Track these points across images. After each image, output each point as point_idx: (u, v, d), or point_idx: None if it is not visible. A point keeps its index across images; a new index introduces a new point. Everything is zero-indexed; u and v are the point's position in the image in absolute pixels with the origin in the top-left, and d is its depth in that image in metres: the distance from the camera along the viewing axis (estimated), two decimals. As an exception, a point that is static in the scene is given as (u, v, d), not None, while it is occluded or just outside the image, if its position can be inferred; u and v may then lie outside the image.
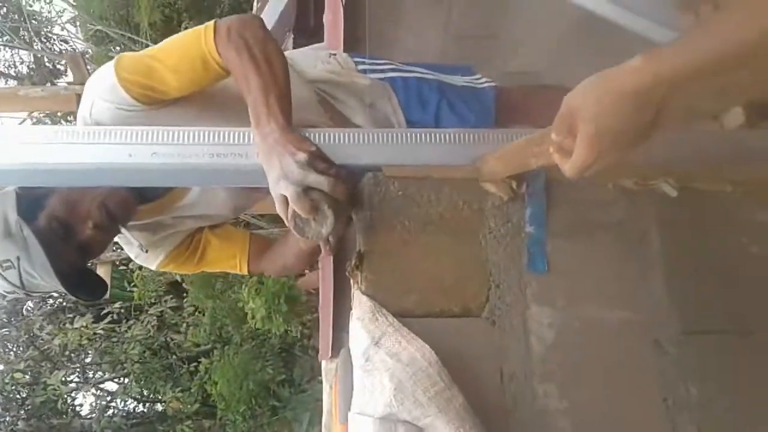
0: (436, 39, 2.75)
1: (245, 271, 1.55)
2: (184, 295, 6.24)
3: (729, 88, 0.66)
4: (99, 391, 7.17)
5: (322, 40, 2.51)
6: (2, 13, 8.31)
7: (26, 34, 8.03)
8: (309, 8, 3.05)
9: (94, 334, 6.05)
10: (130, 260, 6.46)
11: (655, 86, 0.63)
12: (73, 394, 6.76)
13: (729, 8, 0.59)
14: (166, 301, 6.30)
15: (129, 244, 1.45)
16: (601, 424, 1.05)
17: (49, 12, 8.10)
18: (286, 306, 4.70)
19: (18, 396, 6.59)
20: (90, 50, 7.52)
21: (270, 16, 2.75)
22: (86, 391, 6.95)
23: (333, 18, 2.47)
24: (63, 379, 6.21)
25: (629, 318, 1.11)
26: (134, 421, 7.25)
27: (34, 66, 8.65)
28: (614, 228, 1.16)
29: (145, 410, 7.53)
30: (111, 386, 7.24)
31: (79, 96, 1.62)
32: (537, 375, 1.06)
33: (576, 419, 1.05)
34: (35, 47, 8.15)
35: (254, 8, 3.34)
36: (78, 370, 6.96)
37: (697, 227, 1.18)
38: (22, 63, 8.94)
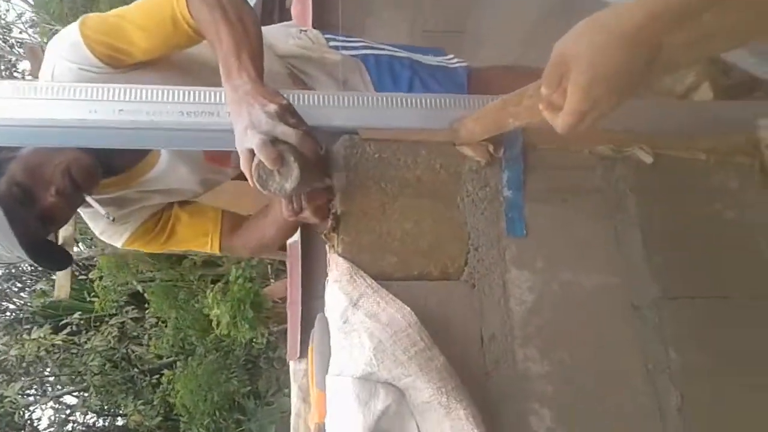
0: (406, 33, 2.75)
1: (216, 250, 1.47)
2: (146, 305, 6.08)
3: (716, 32, 0.66)
4: (58, 405, 6.95)
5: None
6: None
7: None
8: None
9: (53, 345, 5.85)
10: (89, 269, 6.34)
11: (649, 24, 0.62)
12: (31, 408, 6.53)
13: None
14: (127, 311, 6.13)
15: (94, 218, 1.39)
16: (582, 386, 1.03)
17: (7, 10, 7.89)
18: (251, 312, 4.62)
19: (-28, 409, 6.34)
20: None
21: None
22: (44, 405, 6.73)
23: (301, 8, 2.45)
24: (20, 392, 5.98)
25: (607, 282, 1.11)
26: (94, 435, 7.06)
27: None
28: (591, 193, 1.16)
29: (106, 424, 7.34)
30: (70, 399, 7.04)
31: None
32: (518, 338, 1.04)
33: (556, 382, 1.03)
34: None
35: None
36: (36, 382, 6.72)
37: (672, 193, 1.18)
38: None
